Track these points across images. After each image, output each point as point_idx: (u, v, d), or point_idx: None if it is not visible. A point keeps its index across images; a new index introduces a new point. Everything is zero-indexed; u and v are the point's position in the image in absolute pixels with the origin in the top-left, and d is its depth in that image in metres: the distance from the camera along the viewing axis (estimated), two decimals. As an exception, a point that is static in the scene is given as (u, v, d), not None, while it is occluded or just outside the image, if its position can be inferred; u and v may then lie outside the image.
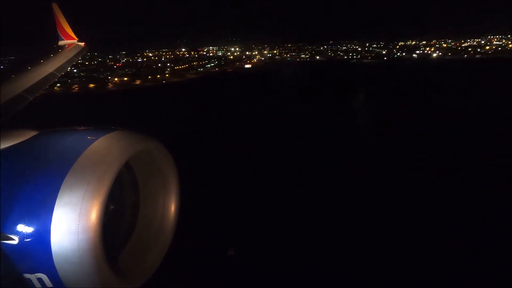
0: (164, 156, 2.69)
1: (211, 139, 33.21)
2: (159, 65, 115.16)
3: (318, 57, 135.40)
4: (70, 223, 1.92)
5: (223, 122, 41.11)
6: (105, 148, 2.20)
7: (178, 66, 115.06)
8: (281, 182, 23.40)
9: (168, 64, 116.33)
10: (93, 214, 1.95)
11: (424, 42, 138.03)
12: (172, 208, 2.80)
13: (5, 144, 2.32)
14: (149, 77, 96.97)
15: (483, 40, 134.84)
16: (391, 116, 44.14)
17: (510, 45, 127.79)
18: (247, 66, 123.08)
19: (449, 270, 14.75)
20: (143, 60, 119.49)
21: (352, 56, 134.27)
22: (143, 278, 2.49)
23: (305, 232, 17.74)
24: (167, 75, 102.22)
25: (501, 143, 29.98)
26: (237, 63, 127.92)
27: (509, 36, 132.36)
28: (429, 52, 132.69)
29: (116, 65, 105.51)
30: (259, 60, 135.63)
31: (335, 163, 27.25)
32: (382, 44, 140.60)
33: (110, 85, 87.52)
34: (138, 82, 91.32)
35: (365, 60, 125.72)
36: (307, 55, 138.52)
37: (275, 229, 17.96)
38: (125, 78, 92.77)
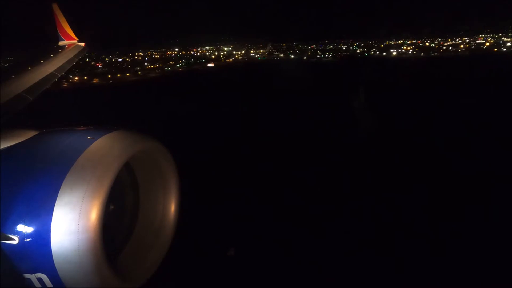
0: (164, 156, 2.69)
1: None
2: (135, 64, 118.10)
3: (292, 56, 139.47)
4: (70, 223, 1.92)
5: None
6: (105, 148, 2.19)
7: (151, 65, 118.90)
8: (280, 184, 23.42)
9: (146, 64, 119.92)
10: (93, 214, 1.95)
11: (412, 41, 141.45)
12: (172, 208, 2.80)
13: (5, 144, 2.32)
14: (109, 76, 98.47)
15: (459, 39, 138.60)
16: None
17: (488, 44, 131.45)
18: (209, 65, 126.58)
19: (449, 270, 14.78)
20: (124, 60, 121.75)
21: (324, 55, 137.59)
22: (143, 278, 2.49)
23: (305, 232, 17.74)
24: (127, 74, 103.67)
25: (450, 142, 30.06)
26: (211, 62, 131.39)
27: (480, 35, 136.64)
28: (405, 50, 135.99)
29: (96, 65, 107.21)
30: (235, 59, 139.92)
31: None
32: (370, 43, 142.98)
33: (65, 84, 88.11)
34: (95, 80, 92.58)
35: (324, 59, 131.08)
36: (287, 53, 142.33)
37: (275, 229, 17.95)
38: (85, 77, 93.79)
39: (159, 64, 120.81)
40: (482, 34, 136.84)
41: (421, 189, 21.54)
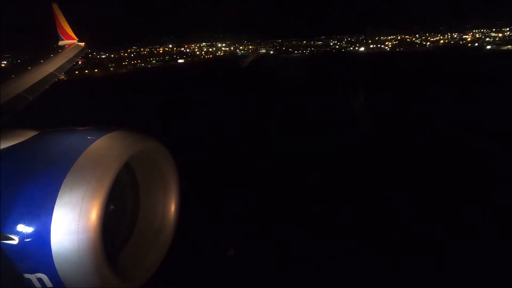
0: (164, 156, 2.69)
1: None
2: (113, 61, 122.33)
3: (271, 52, 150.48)
4: (70, 223, 1.92)
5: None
6: (105, 148, 2.19)
7: (128, 62, 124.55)
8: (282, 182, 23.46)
9: (125, 60, 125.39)
10: (93, 214, 1.94)
11: (402, 37, 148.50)
12: (172, 208, 2.80)
13: (5, 144, 2.32)
14: (76, 72, 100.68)
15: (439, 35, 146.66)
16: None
17: (470, 38, 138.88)
18: (180, 61, 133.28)
19: (447, 270, 14.80)
20: (107, 57, 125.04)
21: (302, 50, 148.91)
22: (143, 278, 2.49)
23: (304, 232, 17.75)
24: (96, 70, 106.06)
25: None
26: (189, 58, 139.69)
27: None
28: (384, 46, 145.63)
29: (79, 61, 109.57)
30: (215, 55, 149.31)
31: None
32: (357, 39, 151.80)
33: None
34: (61, 76, 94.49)
35: (294, 55, 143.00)
36: (269, 49, 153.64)
37: (276, 228, 17.96)
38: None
39: (137, 61, 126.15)
40: (461, 32, 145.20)
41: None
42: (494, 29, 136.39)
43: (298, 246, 16.62)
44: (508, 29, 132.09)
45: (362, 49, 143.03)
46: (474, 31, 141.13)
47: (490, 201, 19.60)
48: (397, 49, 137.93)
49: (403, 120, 35.92)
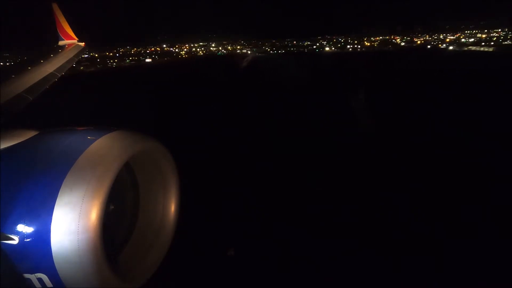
0: (164, 156, 2.69)
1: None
2: (92, 60, 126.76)
3: (249, 52, 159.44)
4: (70, 223, 1.92)
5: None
6: (105, 148, 2.19)
7: (106, 61, 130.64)
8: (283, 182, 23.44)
9: (104, 60, 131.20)
10: (93, 214, 1.94)
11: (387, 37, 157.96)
12: (172, 208, 2.81)
13: (5, 144, 2.32)
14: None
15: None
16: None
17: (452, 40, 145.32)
18: (147, 60, 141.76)
19: (448, 271, 14.78)
20: (91, 56, 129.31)
21: (279, 50, 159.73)
22: (143, 278, 2.49)
23: (304, 232, 17.73)
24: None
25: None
26: (166, 58, 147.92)
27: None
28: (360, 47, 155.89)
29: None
30: (195, 55, 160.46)
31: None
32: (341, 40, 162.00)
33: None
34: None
35: (272, 52, 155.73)
36: (248, 49, 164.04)
37: (276, 228, 17.95)
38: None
39: (112, 60, 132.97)
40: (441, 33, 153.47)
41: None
42: (468, 31, 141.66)
43: (298, 246, 16.59)
44: (475, 31, 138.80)
45: (327, 48, 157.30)
46: (446, 33, 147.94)
47: (490, 201, 19.60)
48: (359, 50, 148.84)
49: (401, 120, 36.12)
